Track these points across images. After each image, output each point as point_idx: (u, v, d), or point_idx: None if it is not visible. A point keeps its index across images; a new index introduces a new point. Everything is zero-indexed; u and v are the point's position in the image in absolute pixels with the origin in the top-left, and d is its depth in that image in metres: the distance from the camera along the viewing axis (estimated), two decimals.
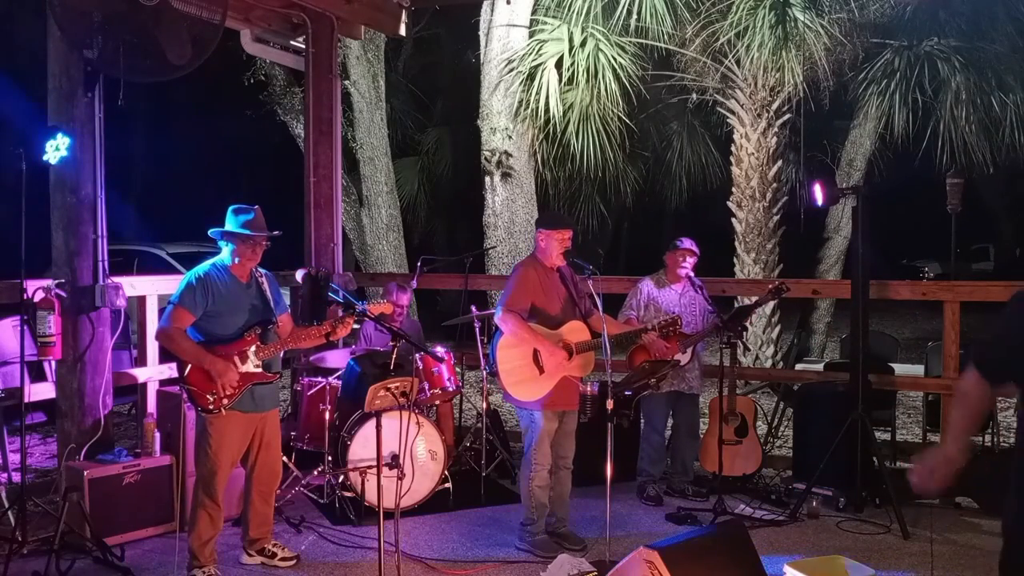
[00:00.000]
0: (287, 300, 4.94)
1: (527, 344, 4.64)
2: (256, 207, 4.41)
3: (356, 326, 5.16)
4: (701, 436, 6.14)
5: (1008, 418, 7.23)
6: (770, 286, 5.80)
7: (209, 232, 4.42)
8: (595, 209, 12.65)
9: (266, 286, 4.46)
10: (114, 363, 5.26)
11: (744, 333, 8.59)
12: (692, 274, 5.71)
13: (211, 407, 4.21)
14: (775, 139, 9.86)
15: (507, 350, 4.67)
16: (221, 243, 4.40)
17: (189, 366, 4.20)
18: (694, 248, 5.71)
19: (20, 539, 4.38)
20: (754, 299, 5.90)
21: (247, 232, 4.32)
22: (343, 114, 8.10)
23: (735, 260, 10.24)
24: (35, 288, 4.77)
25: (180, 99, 14.48)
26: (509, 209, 10.41)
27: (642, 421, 5.95)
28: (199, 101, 14.61)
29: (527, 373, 4.64)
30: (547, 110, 9.65)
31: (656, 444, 5.85)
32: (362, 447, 5.14)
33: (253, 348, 4.32)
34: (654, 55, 10.04)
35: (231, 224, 4.35)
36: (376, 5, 7.04)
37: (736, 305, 5.95)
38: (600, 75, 9.52)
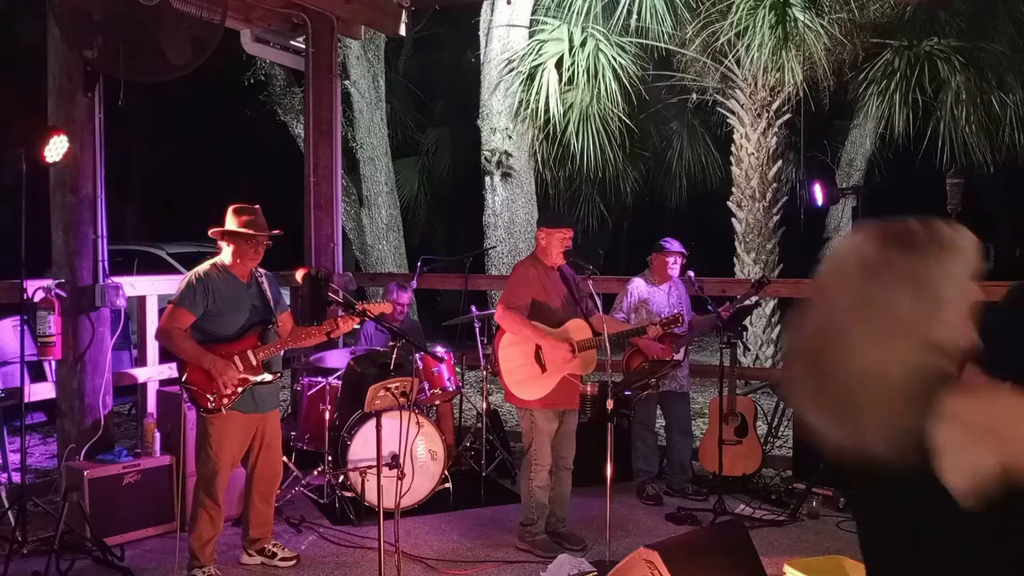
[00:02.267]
0: (287, 300, 4.94)
1: (528, 342, 4.63)
2: (256, 207, 4.41)
3: (356, 326, 5.16)
4: (695, 434, 6.13)
5: None
6: (752, 281, 5.86)
7: (209, 232, 4.42)
8: (595, 209, 12.66)
9: (266, 286, 4.46)
10: (114, 363, 5.26)
11: (744, 333, 8.61)
12: (692, 274, 5.74)
13: (212, 407, 4.21)
14: (775, 139, 9.86)
15: (508, 348, 4.66)
16: (221, 243, 4.40)
17: (189, 366, 4.20)
18: (683, 250, 5.76)
19: (20, 539, 4.38)
20: (740, 296, 5.96)
21: (248, 232, 4.32)
22: (343, 114, 8.09)
23: (735, 260, 10.23)
24: (35, 288, 4.77)
25: (180, 99, 14.45)
26: (509, 209, 10.41)
27: (634, 420, 5.96)
28: (199, 101, 14.59)
29: (529, 372, 4.63)
30: (547, 110, 9.65)
31: (650, 442, 5.86)
32: (362, 447, 5.13)
33: (253, 348, 4.32)
34: (654, 55, 10.05)
35: (232, 224, 4.35)
36: (376, 5, 7.03)
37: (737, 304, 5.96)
38: (600, 75, 9.53)
